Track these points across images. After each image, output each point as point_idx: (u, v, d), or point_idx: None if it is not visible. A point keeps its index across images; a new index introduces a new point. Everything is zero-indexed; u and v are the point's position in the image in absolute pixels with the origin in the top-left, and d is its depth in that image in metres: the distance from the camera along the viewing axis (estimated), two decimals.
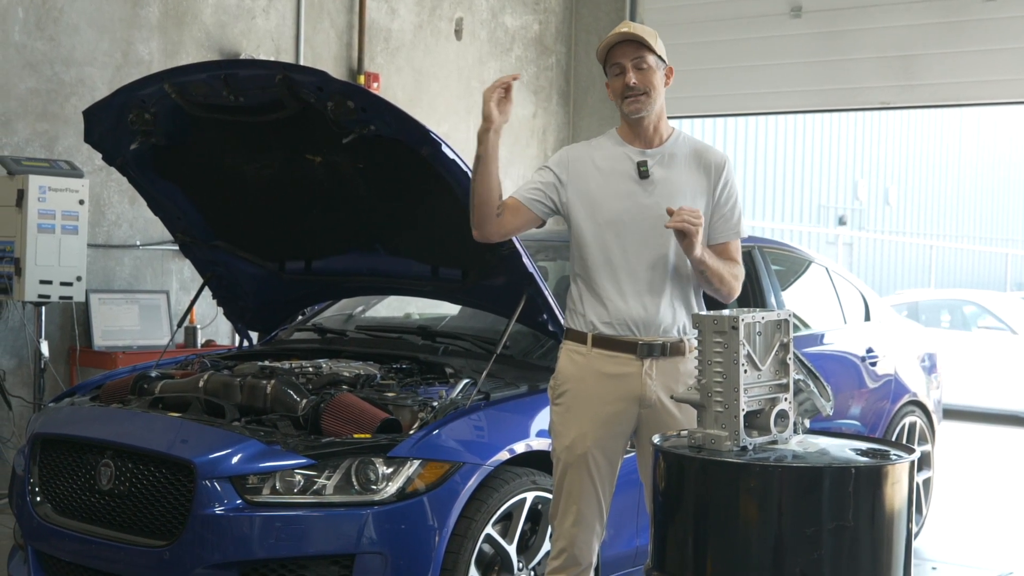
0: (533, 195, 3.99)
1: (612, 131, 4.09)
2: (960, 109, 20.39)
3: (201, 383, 4.79)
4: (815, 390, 3.39)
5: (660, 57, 3.96)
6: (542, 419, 4.50)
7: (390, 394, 4.60)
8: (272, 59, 8.43)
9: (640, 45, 3.92)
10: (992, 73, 9.36)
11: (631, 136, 4.01)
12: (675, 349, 3.93)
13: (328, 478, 4.15)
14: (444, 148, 4.35)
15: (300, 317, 6.15)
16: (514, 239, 4.45)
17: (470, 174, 4.26)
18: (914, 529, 3.19)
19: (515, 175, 10.65)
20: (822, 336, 6.51)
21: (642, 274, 3.91)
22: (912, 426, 6.87)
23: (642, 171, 3.94)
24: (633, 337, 3.91)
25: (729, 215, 4.02)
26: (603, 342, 3.93)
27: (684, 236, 3.74)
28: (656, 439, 3.35)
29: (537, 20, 10.89)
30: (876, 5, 9.78)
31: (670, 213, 3.75)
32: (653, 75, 3.94)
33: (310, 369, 4.90)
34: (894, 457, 3.15)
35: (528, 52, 10.82)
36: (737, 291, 4.01)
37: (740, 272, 4.03)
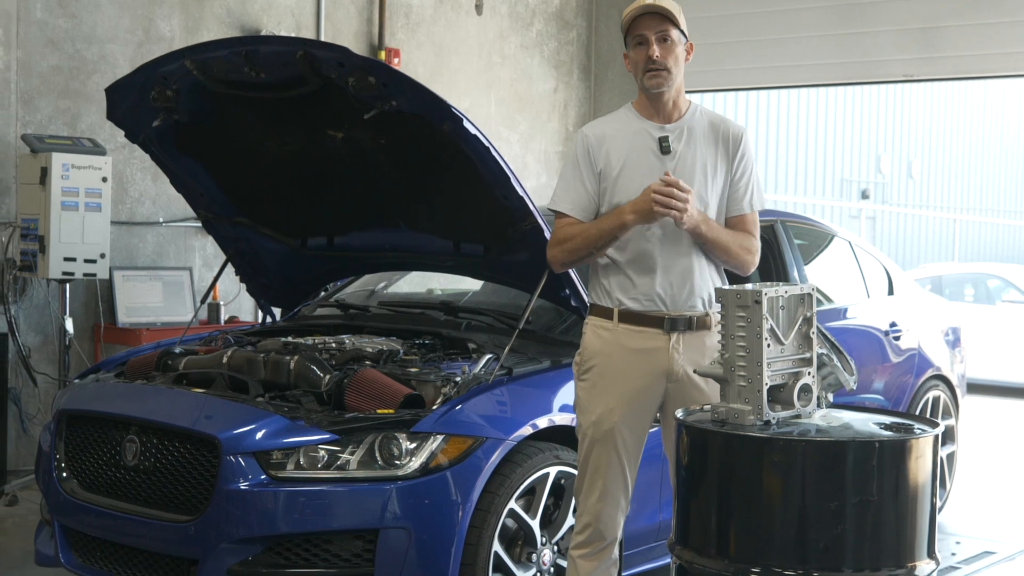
0: (586, 212, 3.98)
1: (628, 106, 4.07)
2: (984, 81, 20.26)
3: (225, 359, 4.81)
4: (838, 364, 3.39)
5: (683, 32, 3.94)
6: (565, 394, 4.50)
7: (413, 369, 4.61)
8: (293, 35, 8.43)
9: (664, 18, 3.89)
10: (1016, 45, 9.28)
11: (650, 111, 3.99)
12: (701, 323, 3.92)
13: (352, 453, 4.16)
14: (466, 123, 4.34)
15: (323, 293, 6.16)
16: (536, 215, 4.45)
17: (492, 150, 4.26)
18: (938, 503, 3.18)
19: (536, 149, 10.65)
20: (845, 310, 6.50)
21: (667, 249, 3.90)
22: (936, 400, 6.85)
23: (664, 147, 3.92)
24: (660, 311, 3.90)
25: (745, 188, 4.02)
26: (630, 317, 3.92)
27: (659, 209, 3.74)
28: (679, 414, 3.35)
29: None
30: None
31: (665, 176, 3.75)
32: (676, 49, 3.92)
33: (333, 345, 4.91)
34: (918, 431, 3.14)
35: (549, 26, 10.78)
36: (751, 264, 4.01)
37: (753, 244, 4.01)
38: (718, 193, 3.96)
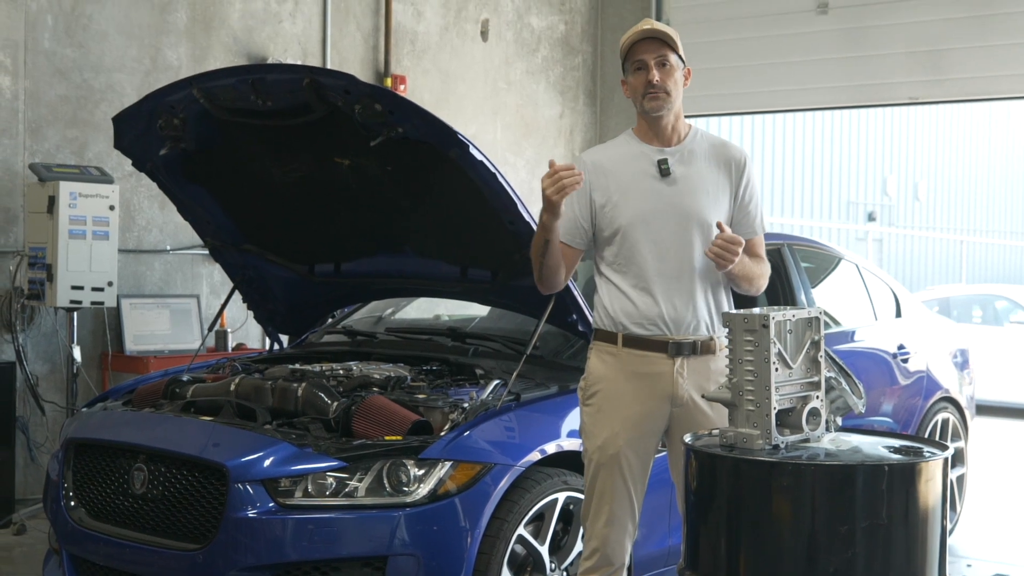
0: (570, 235, 4.00)
1: (628, 131, 4.09)
2: (990, 103, 20.28)
3: (232, 386, 4.81)
4: (847, 387, 3.38)
5: (681, 57, 3.96)
6: (573, 419, 4.49)
7: (421, 396, 4.61)
8: (299, 63, 8.46)
9: (663, 43, 3.91)
10: (1022, 66, 9.29)
11: (649, 135, 4.00)
12: (705, 347, 3.92)
13: (360, 480, 4.15)
14: (472, 149, 4.35)
15: (330, 320, 6.16)
16: None
17: (498, 176, 4.28)
18: (948, 526, 3.17)
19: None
20: (853, 333, 6.49)
21: (670, 272, 3.91)
22: (945, 422, 6.83)
23: (663, 169, 3.93)
24: (664, 336, 3.90)
25: (752, 213, 4.04)
26: (634, 342, 3.92)
27: (719, 262, 3.77)
28: (687, 438, 3.34)
29: (563, 20, 10.89)
30: (903, 0, 9.73)
31: (719, 228, 3.76)
32: (675, 74, 3.94)
33: (341, 371, 4.91)
34: (927, 454, 3.13)
35: (554, 52, 10.81)
36: (763, 287, 4.05)
37: (766, 269, 4.06)
38: (721, 215, 3.96)
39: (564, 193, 3.72)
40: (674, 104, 3.95)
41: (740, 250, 3.76)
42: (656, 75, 3.90)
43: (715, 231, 3.91)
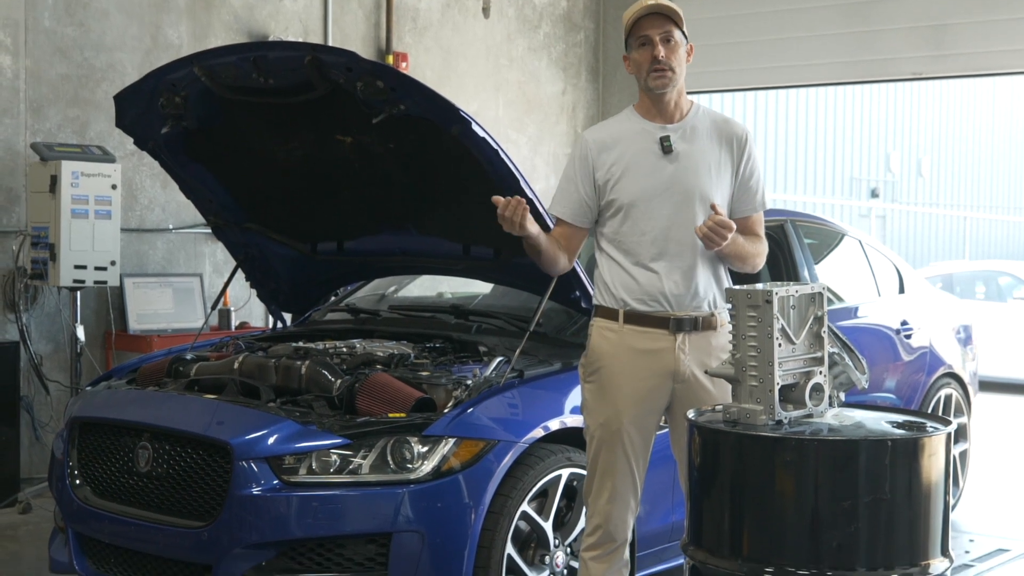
0: (576, 215, 4.04)
1: (630, 108, 4.08)
2: (993, 78, 20.22)
3: (236, 365, 4.82)
4: (850, 363, 3.38)
5: (684, 34, 3.94)
6: (576, 396, 4.50)
7: (424, 373, 4.61)
8: (300, 40, 8.43)
9: (667, 19, 3.90)
10: None
11: (652, 112, 3.99)
12: (707, 323, 3.92)
13: (364, 457, 4.16)
14: (474, 126, 4.35)
15: (333, 298, 6.16)
16: (545, 216, 4.45)
17: (501, 153, 4.28)
18: (951, 502, 3.17)
19: (545, 152, 10.64)
20: (856, 309, 6.49)
21: (671, 249, 3.91)
22: (948, 398, 6.84)
23: (665, 146, 3.93)
24: (665, 312, 3.90)
25: (753, 189, 4.04)
26: (635, 318, 3.92)
27: (707, 243, 3.78)
28: (691, 414, 3.35)
29: None
30: None
31: (714, 209, 3.77)
32: (679, 50, 3.93)
33: (344, 349, 4.91)
34: (930, 429, 3.14)
35: (556, 28, 10.78)
36: (759, 265, 4.05)
37: (763, 247, 4.06)
38: (723, 192, 3.96)
39: (522, 225, 3.78)
40: (678, 81, 3.94)
41: (730, 234, 3.77)
42: (661, 51, 3.88)
43: (719, 208, 3.91)
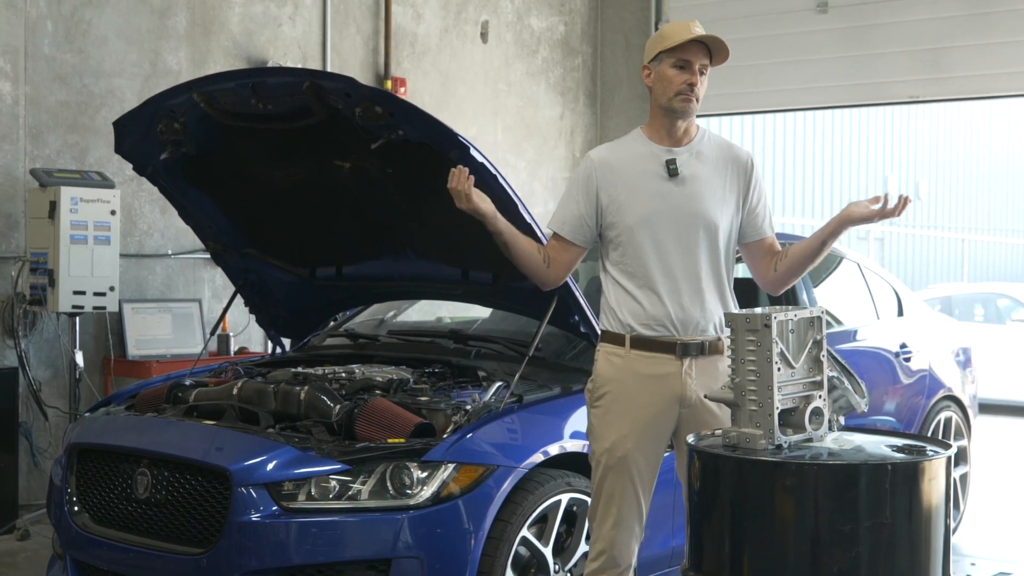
0: (573, 231, 4.03)
1: (637, 131, 4.08)
2: (990, 101, 20.26)
3: (235, 390, 4.81)
4: (849, 387, 3.38)
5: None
6: (575, 421, 4.50)
7: (423, 398, 4.61)
8: (299, 66, 8.46)
9: (709, 53, 3.94)
10: (1021, 64, 9.29)
11: (660, 135, 4.00)
12: (713, 348, 3.92)
13: (363, 483, 4.15)
14: (472, 151, 4.35)
15: (332, 323, 6.16)
16: (543, 240, 4.45)
17: (499, 178, 4.28)
18: (952, 525, 3.17)
19: (544, 176, 10.66)
20: (855, 332, 6.49)
21: (677, 273, 3.91)
22: (948, 421, 6.83)
23: (671, 169, 3.93)
24: (671, 337, 3.90)
25: (761, 215, 4.06)
26: (641, 343, 3.92)
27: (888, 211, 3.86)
28: (691, 438, 3.34)
29: (563, 21, 10.89)
30: None
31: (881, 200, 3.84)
32: (704, 84, 3.97)
33: (343, 375, 4.91)
34: (930, 453, 3.13)
35: (554, 53, 10.81)
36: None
37: None
38: (729, 218, 3.97)
39: (468, 197, 3.83)
40: (697, 110, 3.97)
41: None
42: (698, 80, 3.93)
43: (721, 233, 3.92)
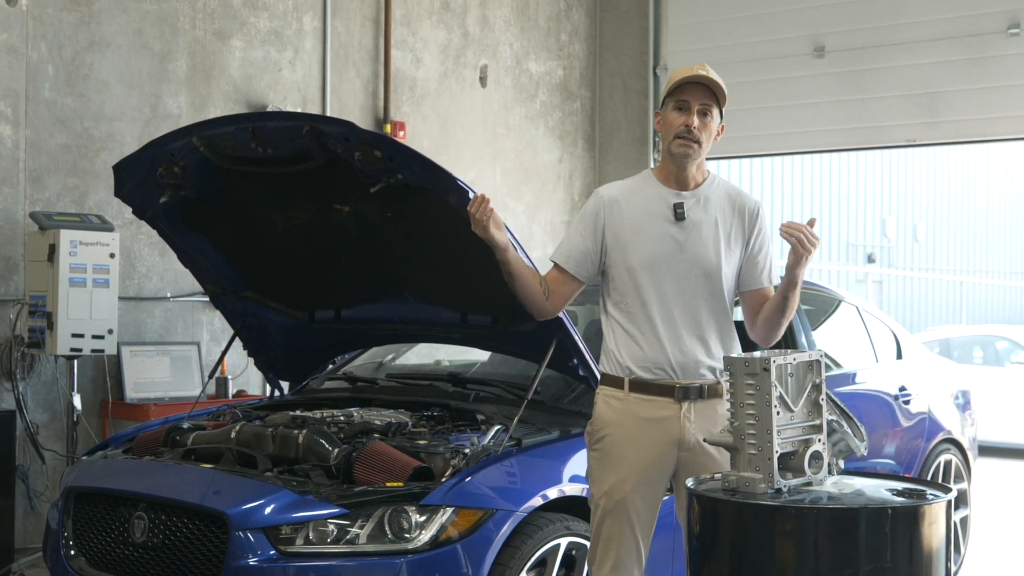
0: (577, 265, 4.04)
1: (647, 172, 4.09)
2: (987, 144, 20.34)
3: (233, 434, 4.81)
4: (848, 430, 3.38)
5: (721, 112, 3.97)
6: (574, 464, 4.48)
7: (422, 442, 4.60)
8: (299, 110, 8.49)
9: (711, 93, 3.92)
10: (1018, 108, 9.34)
11: (669, 178, 4.00)
12: (712, 391, 3.91)
13: (361, 527, 4.14)
14: (471, 195, 4.36)
15: (331, 366, 6.16)
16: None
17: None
18: (952, 569, 3.15)
19: (543, 220, 10.68)
20: (854, 375, 6.48)
21: (678, 316, 3.90)
22: (947, 464, 6.81)
23: (678, 213, 3.94)
24: (671, 380, 3.89)
25: (760, 264, 4.03)
26: (640, 386, 3.91)
27: (798, 249, 3.76)
28: (690, 482, 3.33)
29: (561, 66, 10.94)
30: (899, 43, 9.78)
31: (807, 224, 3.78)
32: (711, 125, 3.94)
33: (341, 418, 4.90)
34: (930, 496, 3.13)
35: (553, 97, 10.86)
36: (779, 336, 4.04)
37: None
38: (732, 264, 3.97)
39: (485, 227, 3.86)
40: (701, 155, 3.95)
41: (817, 244, 3.76)
42: (695, 121, 3.90)
43: (724, 279, 3.92)
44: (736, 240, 3.98)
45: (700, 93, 3.92)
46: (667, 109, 3.98)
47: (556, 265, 4.08)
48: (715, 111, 3.94)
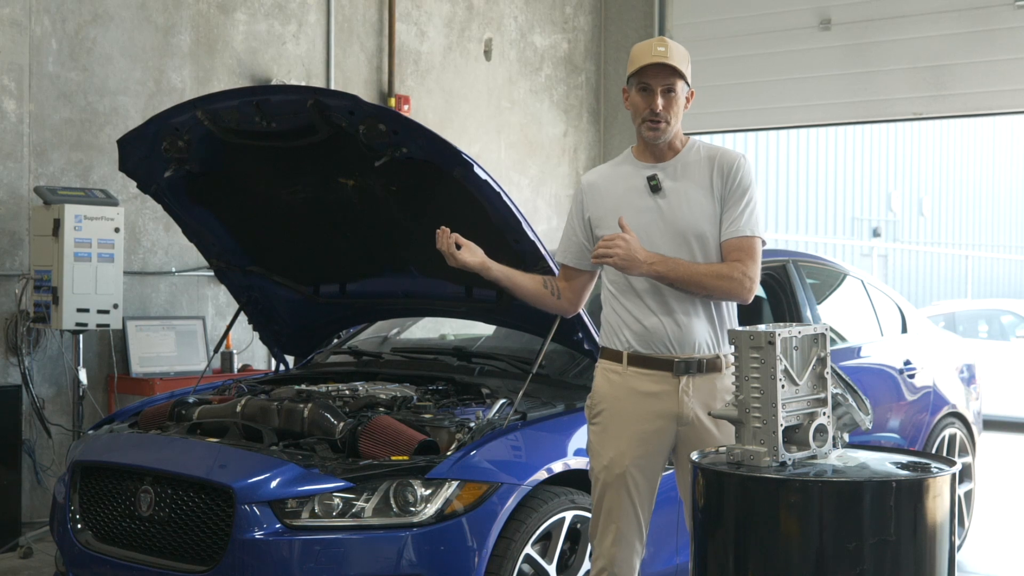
0: (577, 259, 4.11)
1: (627, 150, 4.10)
2: (993, 118, 20.30)
3: (239, 408, 4.81)
4: (853, 404, 3.37)
5: (687, 82, 3.93)
6: (579, 438, 4.49)
7: (427, 416, 4.60)
8: (303, 84, 8.47)
9: (672, 71, 3.88)
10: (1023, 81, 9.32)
11: (645, 153, 3.99)
12: (711, 365, 3.90)
13: (367, 501, 4.15)
14: (476, 169, 4.36)
15: (335, 340, 6.16)
16: (547, 258, 4.45)
17: (503, 195, 4.30)
18: (956, 542, 3.16)
19: (547, 194, 10.67)
20: (859, 349, 6.48)
21: (668, 290, 3.87)
22: (952, 438, 6.82)
23: (653, 185, 3.91)
24: (668, 354, 3.89)
25: (738, 212, 3.87)
26: (639, 360, 3.91)
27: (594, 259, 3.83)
28: (694, 456, 3.33)
29: (566, 39, 10.91)
30: (905, 16, 9.75)
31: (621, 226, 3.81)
32: (678, 101, 3.90)
33: (347, 392, 4.91)
34: (935, 470, 3.12)
35: (557, 71, 10.83)
36: (739, 291, 3.85)
37: (733, 270, 3.83)
38: (713, 223, 3.89)
39: (454, 256, 3.97)
40: (671, 131, 3.91)
41: (623, 244, 3.71)
42: (660, 104, 3.85)
43: (712, 243, 3.88)
44: (709, 197, 3.89)
45: (662, 73, 3.86)
46: (632, 89, 3.94)
47: (562, 264, 4.16)
48: (679, 85, 3.88)
